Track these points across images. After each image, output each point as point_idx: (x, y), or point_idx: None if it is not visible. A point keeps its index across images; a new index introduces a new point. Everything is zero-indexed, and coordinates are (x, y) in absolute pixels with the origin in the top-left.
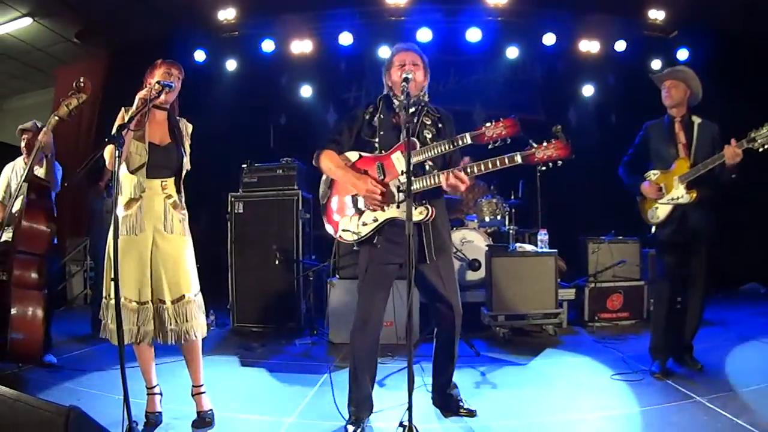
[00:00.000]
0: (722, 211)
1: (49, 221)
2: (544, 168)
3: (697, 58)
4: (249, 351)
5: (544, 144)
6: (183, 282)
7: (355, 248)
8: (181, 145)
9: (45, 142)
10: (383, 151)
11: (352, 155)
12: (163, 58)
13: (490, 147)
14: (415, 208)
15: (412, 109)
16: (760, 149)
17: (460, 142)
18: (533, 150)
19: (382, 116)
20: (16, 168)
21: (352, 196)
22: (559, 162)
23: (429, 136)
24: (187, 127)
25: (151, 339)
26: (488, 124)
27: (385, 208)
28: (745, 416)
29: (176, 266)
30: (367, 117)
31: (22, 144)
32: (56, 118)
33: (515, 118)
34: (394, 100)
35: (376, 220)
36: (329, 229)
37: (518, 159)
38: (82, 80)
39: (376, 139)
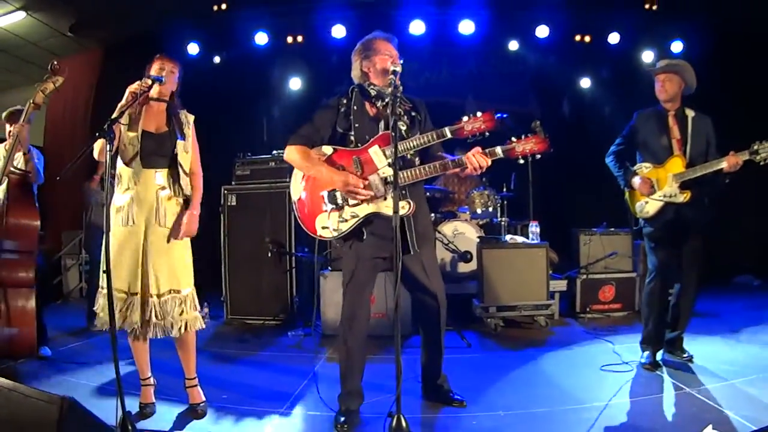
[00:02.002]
0: (715, 203)
1: (33, 216)
2: (522, 161)
3: (691, 50)
4: (242, 343)
5: (523, 138)
6: (172, 277)
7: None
8: (178, 132)
9: (22, 136)
10: (359, 145)
11: (327, 149)
12: (157, 51)
13: (469, 141)
14: None
15: (388, 99)
16: (762, 162)
17: (440, 136)
18: (513, 144)
19: (355, 107)
20: None
21: (329, 191)
22: (538, 155)
23: (404, 128)
24: (188, 117)
25: (137, 329)
26: (466, 119)
27: (366, 202)
28: (735, 408)
29: (165, 260)
30: (342, 109)
31: (9, 128)
32: (32, 105)
33: (493, 112)
34: (371, 90)
35: (355, 216)
36: (303, 226)
37: (499, 152)
38: (56, 62)
39: (351, 132)
